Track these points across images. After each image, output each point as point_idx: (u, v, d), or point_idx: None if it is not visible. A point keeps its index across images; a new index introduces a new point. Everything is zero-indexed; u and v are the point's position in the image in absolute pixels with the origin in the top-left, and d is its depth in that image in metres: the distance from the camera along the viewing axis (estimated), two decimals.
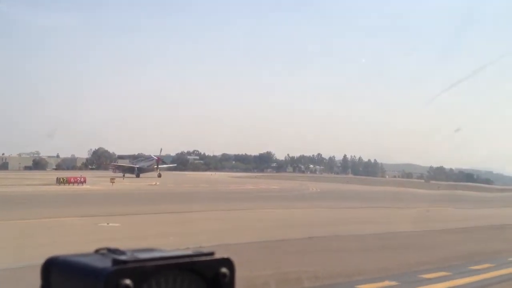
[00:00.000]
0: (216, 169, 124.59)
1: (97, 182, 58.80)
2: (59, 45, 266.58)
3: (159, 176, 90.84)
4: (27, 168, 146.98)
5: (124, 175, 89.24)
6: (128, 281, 0.79)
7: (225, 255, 0.87)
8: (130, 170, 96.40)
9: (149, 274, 0.81)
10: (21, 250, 12.59)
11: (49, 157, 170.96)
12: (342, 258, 14.15)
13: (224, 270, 0.86)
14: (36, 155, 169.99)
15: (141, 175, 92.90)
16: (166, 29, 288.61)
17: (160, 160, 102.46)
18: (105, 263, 0.85)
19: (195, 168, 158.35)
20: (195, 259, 0.85)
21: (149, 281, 0.81)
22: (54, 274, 0.92)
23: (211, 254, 0.87)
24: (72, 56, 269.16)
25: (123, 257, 0.86)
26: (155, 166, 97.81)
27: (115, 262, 0.85)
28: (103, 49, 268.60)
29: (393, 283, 10.89)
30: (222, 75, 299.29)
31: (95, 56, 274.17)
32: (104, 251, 0.95)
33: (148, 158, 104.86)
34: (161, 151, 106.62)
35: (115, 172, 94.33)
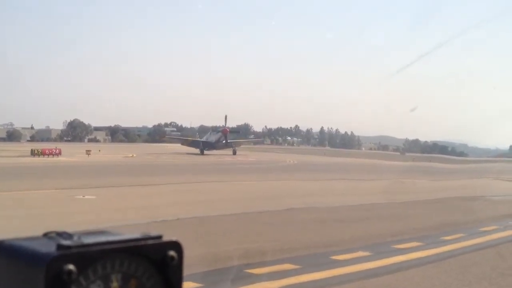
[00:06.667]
0: None
1: (73, 154, 58.21)
2: (32, 11, 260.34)
3: (234, 153, 73.63)
4: (0, 139, 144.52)
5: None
6: (71, 266, 0.79)
7: (173, 238, 0.87)
8: (195, 144, 79.17)
9: (94, 259, 0.79)
10: None
11: (23, 128, 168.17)
12: (318, 229, 14.36)
13: (172, 253, 0.86)
14: (10, 127, 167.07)
15: (209, 151, 74.47)
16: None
17: (228, 131, 78.53)
18: (50, 248, 0.83)
19: (173, 139, 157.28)
20: (142, 242, 0.85)
21: (94, 265, 0.80)
22: (0, 258, 0.89)
23: (159, 237, 0.87)
24: (48, 23, 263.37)
25: (67, 242, 0.85)
26: (223, 141, 77.05)
27: (59, 247, 0.84)
28: (78, 17, 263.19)
29: (366, 253, 11.10)
30: (200, 45, 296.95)
31: (71, 24, 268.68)
32: (53, 235, 0.93)
33: (214, 130, 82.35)
34: (226, 118, 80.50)
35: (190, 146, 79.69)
